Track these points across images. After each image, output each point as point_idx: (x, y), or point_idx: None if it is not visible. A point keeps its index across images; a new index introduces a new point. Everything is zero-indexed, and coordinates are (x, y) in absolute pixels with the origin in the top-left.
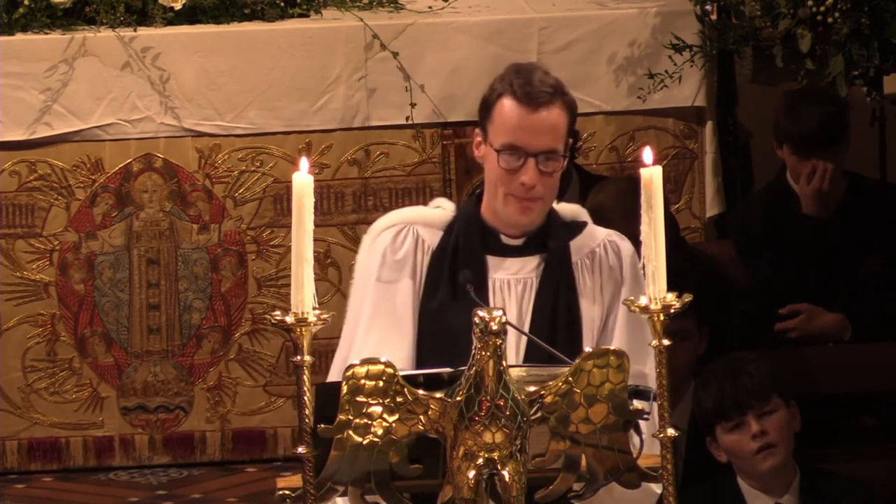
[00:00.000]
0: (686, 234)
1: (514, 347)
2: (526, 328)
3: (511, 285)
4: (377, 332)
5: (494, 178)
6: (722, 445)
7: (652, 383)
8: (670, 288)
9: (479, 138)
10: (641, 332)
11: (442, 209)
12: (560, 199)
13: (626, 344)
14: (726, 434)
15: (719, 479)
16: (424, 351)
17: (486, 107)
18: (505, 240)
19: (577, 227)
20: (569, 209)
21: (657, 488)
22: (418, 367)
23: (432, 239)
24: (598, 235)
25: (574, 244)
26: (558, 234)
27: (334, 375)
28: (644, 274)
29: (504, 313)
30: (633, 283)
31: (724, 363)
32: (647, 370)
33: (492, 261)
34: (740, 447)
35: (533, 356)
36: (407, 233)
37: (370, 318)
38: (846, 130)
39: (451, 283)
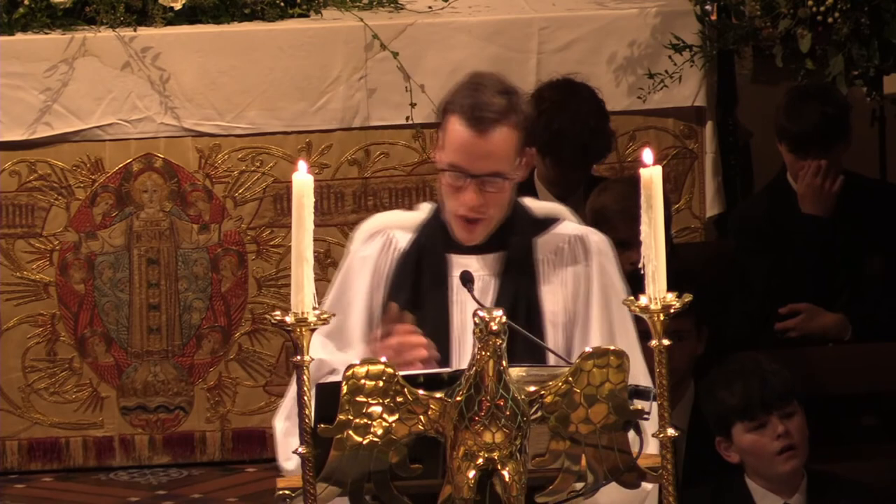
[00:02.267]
0: (686, 235)
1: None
2: None
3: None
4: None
5: (443, 190)
6: (740, 445)
7: (640, 382)
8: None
9: (438, 142)
10: (623, 333)
11: (420, 211)
12: (569, 198)
13: (604, 342)
14: (747, 433)
15: (726, 478)
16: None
17: (441, 116)
18: None
19: (546, 224)
20: (546, 207)
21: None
22: None
23: (404, 241)
24: (568, 232)
25: (540, 240)
26: (522, 230)
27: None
28: (643, 272)
29: (505, 314)
30: (599, 276)
31: (746, 361)
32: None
33: (456, 258)
34: (762, 447)
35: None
36: (380, 236)
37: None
38: (845, 130)
39: (414, 284)
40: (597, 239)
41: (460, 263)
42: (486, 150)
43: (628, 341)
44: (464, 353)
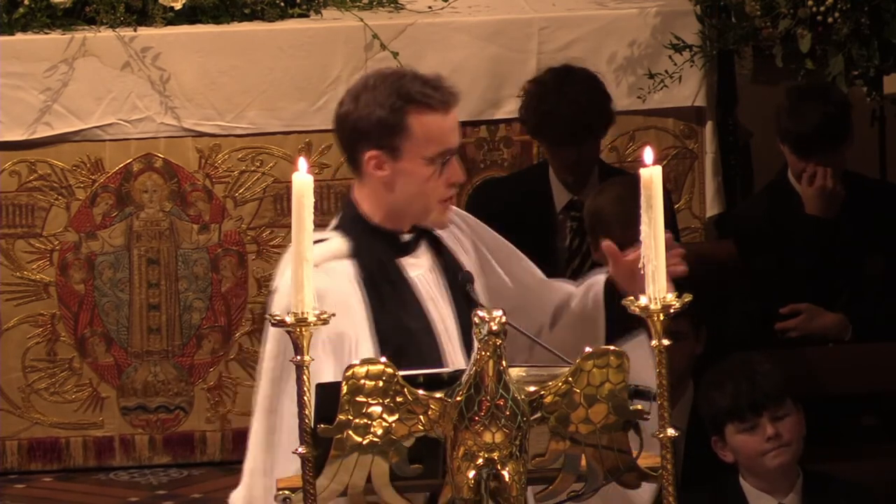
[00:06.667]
0: (686, 235)
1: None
2: (451, 310)
3: (427, 277)
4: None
5: (422, 189)
6: (732, 445)
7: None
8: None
9: (376, 160)
10: (527, 263)
11: (329, 238)
12: (583, 190)
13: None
14: (738, 434)
15: (721, 480)
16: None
17: (389, 127)
18: (403, 237)
19: None
20: None
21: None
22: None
23: (351, 269)
24: None
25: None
26: None
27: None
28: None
29: (504, 313)
30: (483, 232)
31: (738, 362)
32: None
33: (405, 261)
34: (752, 448)
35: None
36: (328, 277)
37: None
38: (848, 129)
39: (384, 302)
40: (460, 211)
41: (409, 264)
42: (454, 123)
43: (537, 272)
44: (453, 346)
